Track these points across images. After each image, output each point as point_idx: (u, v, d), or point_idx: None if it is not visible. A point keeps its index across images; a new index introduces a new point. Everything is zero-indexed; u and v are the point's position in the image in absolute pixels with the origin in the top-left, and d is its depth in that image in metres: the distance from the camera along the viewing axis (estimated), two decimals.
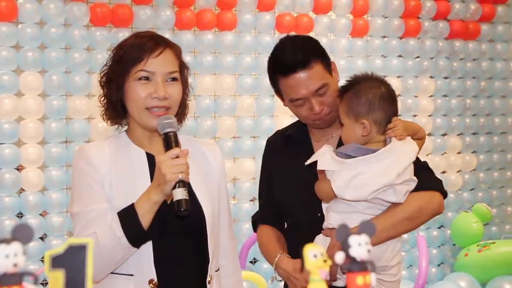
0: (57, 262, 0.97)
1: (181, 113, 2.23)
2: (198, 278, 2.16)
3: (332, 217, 2.33)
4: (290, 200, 2.56)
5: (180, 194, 1.97)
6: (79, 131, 4.08)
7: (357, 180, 2.25)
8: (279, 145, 2.64)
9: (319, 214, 2.49)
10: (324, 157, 2.29)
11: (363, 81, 2.36)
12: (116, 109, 2.17)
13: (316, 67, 2.44)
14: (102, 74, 2.19)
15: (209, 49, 4.48)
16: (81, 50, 4.10)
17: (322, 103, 2.45)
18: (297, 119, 2.61)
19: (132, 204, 2.03)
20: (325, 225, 2.38)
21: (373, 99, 2.31)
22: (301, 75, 2.41)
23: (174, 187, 1.97)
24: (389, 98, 2.36)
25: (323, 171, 2.31)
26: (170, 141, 2.05)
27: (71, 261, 0.98)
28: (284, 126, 2.76)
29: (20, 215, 3.96)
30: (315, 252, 1.10)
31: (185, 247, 2.15)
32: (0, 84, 3.89)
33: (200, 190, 2.16)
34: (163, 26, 4.32)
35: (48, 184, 4.01)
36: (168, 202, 2.06)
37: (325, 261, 1.10)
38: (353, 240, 1.12)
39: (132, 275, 2.07)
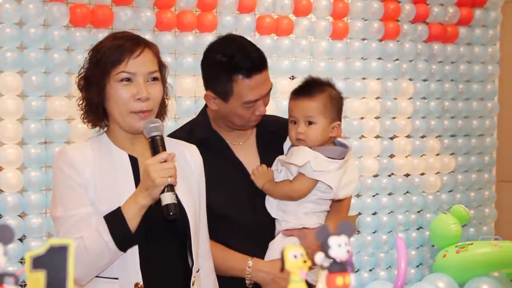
0: (38, 263, 0.97)
1: (161, 113, 2.24)
2: (182, 280, 2.17)
3: (302, 217, 2.44)
4: (228, 208, 2.51)
5: (168, 198, 1.99)
6: (59, 132, 4.05)
7: (344, 179, 2.43)
8: (203, 153, 2.46)
9: (259, 216, 2.52)
10: (318, 159, 2.36)
11: (328, 85, 2.52)
12: (96, 112, 2.16)
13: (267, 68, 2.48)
14: (79, 77, 2.17)
15: (189, 51, 4.47)
16: (60, 50, 4.07)
17: (265, 104, 2.48)
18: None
19: (119, 208, 2.02)
20: (288, 226, 2.45)
21: (342, 103, 2.54)
22: (262, 76, 2.42)
23: (162, 191, 1.99)
24: None
25: (301, 173, 2.41)
26: (157, 145, 2.06)
27: (52, 262, 0.98)
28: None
29: None
30: (295, 253, 1.11)
31: (169, 250, 2.16)
32: None
33: (183, 193, 2.16)
34: (143, 27, 4.31)
35: (27, 185, 3.98)
36: (153, 205, 2.06)
37: (305, 261, 1.11)
38: (333, 241, 1.14)
39: (117, 278, 2.07)
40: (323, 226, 1.15)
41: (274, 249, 2.47)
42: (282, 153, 2.56)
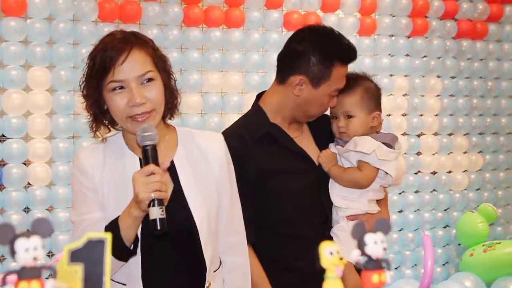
0: (75, 256, 0.98)
1: (171, 108, 2.16)
2: (194, 285, 2.12)
3: (366, 204, 2.57)
4: (299, 198, 2.56)
5: (155, 213, 1.90)
6: (87, 126, 4.03)
7: (397, 166, 2.60)
8: (265, 148, 2.53)
9: (324, 202, 2.58)
10: (382, 148, 2.52)
11: (363, 79, 2.64)
12: (103, 122, 2.13)
13: None
14: (82, 87, 2.12)
15: (216, 46, 4.48)
16: (89, 45, 4.07)
17: None
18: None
19: (117, 218, 1.99)
20: (351, 212, 2.56)
21: (380, 95, 2.67)
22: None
23: (149, 205, 1.90)
24: None
25: (363, 161, 2.54)
26: (148, 156, 1.97)
27: (90, 255, 0.98)
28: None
29: (27, 209, 3.96)
30: (331, 250, 1.10)
31: (176, 256, 2.11)
32: (9, 79, 3.90)
33: (193, 196, 2.10)
34: (171, 23, 4.32)
35: (55, 179, 4.02)
36: None
37: (341, 258, 1.10)
38: (369, 238, 1.12)
39: (125, 284, 2.08)
40: (359, 223, 1.14)
41: (338, 235, 2.56)
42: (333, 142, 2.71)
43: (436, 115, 5.20)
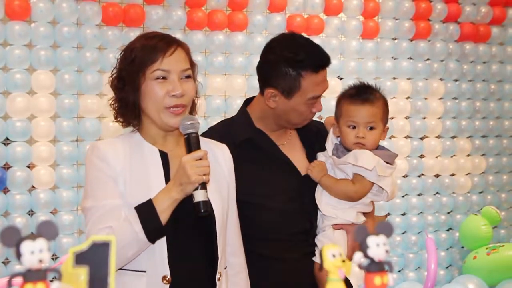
0: (80, 258, 0.98)
1: (191, 111, 2.26)
2: (208, 275, 2.18)
3: (353, 216, 2.51)
4: (278, 203, 2.52)
5: (201, 195, 2.05)
6: (90, 129, 4.10)
7: (392, 181, 2.53)
8: (245, 153, 2.49)
9: (307, 211, 2.54)
10: (380, 164, 2.46)
11: (377, 91, 2.59)
12: (132, 111, 2.18)
13: None
14: (113, 78, 2.20)
15: (220, 50, 4.49)
16: (93, 49, 4.12)
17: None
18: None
19: (150, 200, 2.06)
20: (336, 221, 2.52)
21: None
22: (325, 72, 2.48)
23: (196, 188, 2.04)
24: None
25: (359, 175, 2.48)
26: (193, 143, 2.10)
27: (94, 258, 0.99)
28: None
29: (31, 212, 3.98)
30: (333, 252, 1.11)
31: (195, 245, 2.18)
32: (13, 82, 3.91)
33: (211, 189, 2.17)
34: (174, 26, 4.33)
35: (59, 182, 4.03)
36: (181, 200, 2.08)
37: (343, 261, 1.11)
38: (372, 240, 1.13)
39: (144, 271, 2.09)
40: (361, 225, 1.15)
41: (323, 242, 2.52)
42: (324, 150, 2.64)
43: (439, 118, 5.21)
